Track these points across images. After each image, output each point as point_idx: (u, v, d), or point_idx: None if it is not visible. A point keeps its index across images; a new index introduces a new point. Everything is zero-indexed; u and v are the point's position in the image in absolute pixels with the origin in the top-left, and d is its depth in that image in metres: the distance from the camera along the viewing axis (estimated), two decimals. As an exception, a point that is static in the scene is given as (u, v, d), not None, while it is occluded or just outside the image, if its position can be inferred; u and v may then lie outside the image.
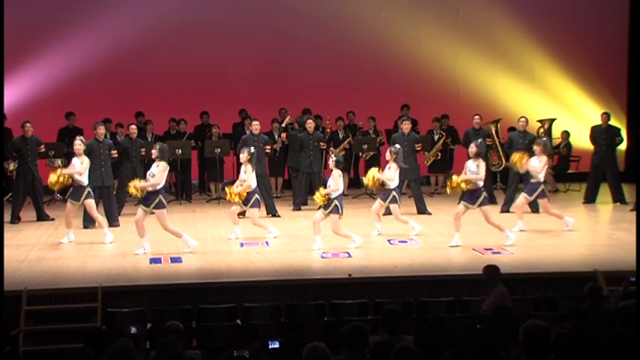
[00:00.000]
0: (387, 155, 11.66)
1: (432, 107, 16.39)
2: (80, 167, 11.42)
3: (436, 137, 15.84)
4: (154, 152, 10.73)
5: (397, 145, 11.90)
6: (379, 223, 11.86)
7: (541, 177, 11.79)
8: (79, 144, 11.53)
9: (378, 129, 15.89)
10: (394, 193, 11.53)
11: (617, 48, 17.65)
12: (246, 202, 11.31)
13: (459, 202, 11.07)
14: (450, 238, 11.05)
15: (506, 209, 13.56)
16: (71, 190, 11.60)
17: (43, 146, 13.31)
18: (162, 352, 5.71)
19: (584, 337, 4.86)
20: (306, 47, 17.09)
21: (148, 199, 10.56)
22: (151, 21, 16.52)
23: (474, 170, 10.89)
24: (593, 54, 17.45)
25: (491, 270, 8.32)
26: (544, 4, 17.57)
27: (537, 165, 11.71)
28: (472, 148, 11.05)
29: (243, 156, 11.39)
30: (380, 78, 17.10)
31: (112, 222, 12.57)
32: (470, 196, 10.92)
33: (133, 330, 7.23)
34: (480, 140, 11.58)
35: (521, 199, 12.05)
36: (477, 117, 14.62)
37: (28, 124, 13.06)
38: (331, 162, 10.85)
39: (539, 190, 11.79)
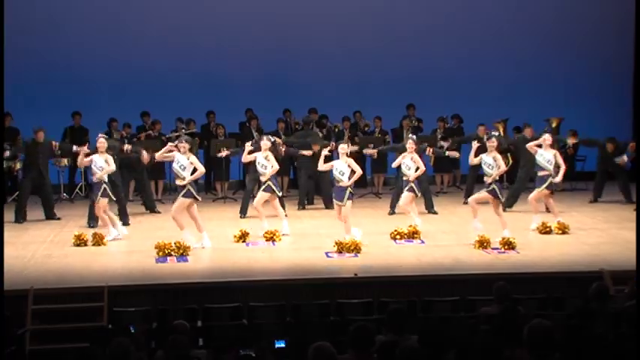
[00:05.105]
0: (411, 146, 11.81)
1: (437, 107, 16.36)
2: (112, 166, 11.41)
3: (439, 137, 15.81)
4: (186, 145, 10.90)
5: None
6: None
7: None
8: (102, 141, 11.43)
9: (383, 128, 15.88)
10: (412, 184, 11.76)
11: (622, 45, 17.58)
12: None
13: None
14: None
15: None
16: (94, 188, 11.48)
17: (57, 146, 13.18)
18: (170, 351, 5.71)
19: (586, 336, 4.85)
20: (312, 47, 17.06)
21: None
22: (156, 20, 16.55)
23: (492, 163, 11.09)
24: (600, 52, 17.38)
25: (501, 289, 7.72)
26: (548, 1, 17.55)
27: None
28: (493, 142, 11.25)
29: (266, 144, 11.47)
30: (385, 77, 17.07)
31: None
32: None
33: (132, 329, 7.26)
34: (496, 134, 11.80)
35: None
36: None
37: (41, 132, 12.92)
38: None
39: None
